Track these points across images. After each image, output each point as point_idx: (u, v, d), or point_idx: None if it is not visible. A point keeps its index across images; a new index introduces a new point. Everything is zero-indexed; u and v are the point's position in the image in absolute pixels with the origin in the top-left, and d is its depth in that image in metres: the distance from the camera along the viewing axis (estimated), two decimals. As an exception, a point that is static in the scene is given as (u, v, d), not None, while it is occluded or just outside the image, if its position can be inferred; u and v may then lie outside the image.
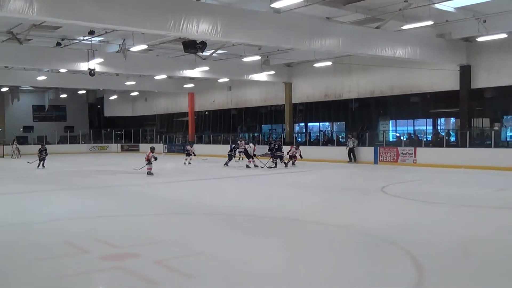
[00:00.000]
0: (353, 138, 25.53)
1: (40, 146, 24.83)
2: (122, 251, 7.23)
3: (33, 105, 49.11)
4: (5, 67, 29.48)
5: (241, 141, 24.99)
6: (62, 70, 29.87)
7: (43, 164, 23.38)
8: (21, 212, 11.09)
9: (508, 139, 25.39)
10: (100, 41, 23.78)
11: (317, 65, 27.75)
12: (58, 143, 43.47)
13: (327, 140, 30.70)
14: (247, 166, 22.56)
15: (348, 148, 25.44)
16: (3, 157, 34.29)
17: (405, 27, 19.02)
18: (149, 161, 18.13)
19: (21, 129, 46.26)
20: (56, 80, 34.50)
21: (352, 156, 25.17)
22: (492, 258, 6.80)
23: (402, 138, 29.00)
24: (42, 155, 23.50)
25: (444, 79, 24.24)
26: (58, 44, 23.19)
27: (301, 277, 6.10)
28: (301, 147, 24.27)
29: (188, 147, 25.11)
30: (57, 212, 11.02)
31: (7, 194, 14.33)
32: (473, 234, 8.37)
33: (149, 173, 18.24)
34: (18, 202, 12.95)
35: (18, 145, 34.47)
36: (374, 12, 18.71)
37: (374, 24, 19.51)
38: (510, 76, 22.17)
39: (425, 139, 26.31)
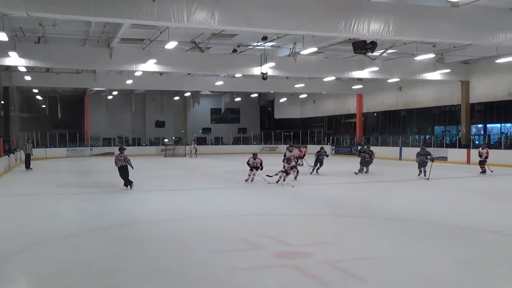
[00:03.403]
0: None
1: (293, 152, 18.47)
2: (294, 249, 7.41)
3: (211, 108, 52.76)
4: (188, 74, 32.27)
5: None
6: (237, 75, 31.82)
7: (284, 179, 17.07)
8: (198, 207, 12.07)
9: None
10: (272, 46, 24.72)
11: (499, 61, 25.45)
12: (232, 144, 46.65)
13: (510, 143, 27.87)
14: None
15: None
16: (185, 156, 37.59)
17: None
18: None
19: (200, 131, 50.22)
20: (232, 84, 36.85)
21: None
22: None
23: None
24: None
25: None
26: (234, 50, 24.72)
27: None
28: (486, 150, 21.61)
29: (251, 160, 17.58)
30: (231, 208, 11.77)
31: (188, 190, 15.69)
32: None
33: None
34: (195, 198, 14.08)
35: (196, 146, 37.35)
36: None
37: None
38: None
39: None
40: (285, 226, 9.60)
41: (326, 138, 43.87)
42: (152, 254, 7.41)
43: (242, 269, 6.45)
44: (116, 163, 15.00)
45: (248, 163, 17.27)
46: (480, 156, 20.19)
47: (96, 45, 23.50)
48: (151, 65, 23.71)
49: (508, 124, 32.14)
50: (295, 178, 17.35)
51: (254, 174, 17.10)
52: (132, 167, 14.97)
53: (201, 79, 35.26)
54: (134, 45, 23.63)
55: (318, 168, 20.35)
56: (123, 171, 14.81)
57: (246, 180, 17.18)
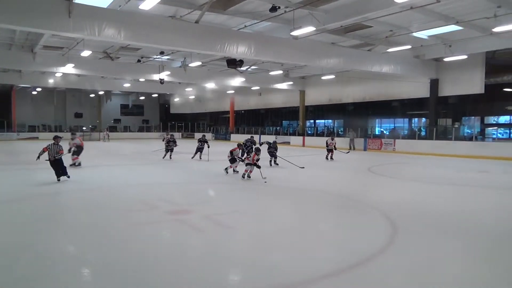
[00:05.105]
0: (353, 132, 25.12)
1: (167, 136, 17.39)
2: (180, 208, 7.39)
3: (120, 104, 49.85)
4: (102, 76, 30.11)
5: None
6: (141, 80, 30.36)
7: (170, 155, 16.81)
8: (110, 179, 11.43)
9: (464, 134, 24.68)
10: (168, 58, 24.01)
11: (324, 78, 27.41)
12: (137, 131, 44.79)
13: (330, 133, 30.31)
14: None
15: (349, 139, 24.97)
16: (99, 140, 35.25)
17: (390, 50, 18.56)
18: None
19: (112, 121, 47.31)
20: (137, 86, 35.06)
21: (352, 145, 24.67)
22: (454, 223, 6.68)
23: (385, 132, 28.49)
24: (170, 146, 16.90)
25: (418, 89, 23.63)
26: (139, 60, 23.55)
27: (307, 228, 6.15)
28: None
29: (165, 135, 16.60)
30: (135, 179, 11.32)
31: (102, 166, 14.75)
32: (438, 202, 8.22)
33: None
34: (108, 171, 13.33)
35: (109, 132, 35.31)
36: (367, 39, 18.32)
37: (366, 47, 19.16)
38: (467, 87, 21.49)
39: (402, 133, 25.80)
40: (174, 191, 9.47)
41: (208, 128, 43.92)
42: (73, 214, 6.93)
43: (142, 224, 6.29)
44: (48, 153, 9.84)
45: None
46: (328, 145, 17.72)
47: (21, 49, 20.85)
48: (69, 69, 21.71)
49: (330, 120, 34.90)
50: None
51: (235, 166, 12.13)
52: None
53: (112, 81, 32.96)
54: (55, 52, 21.38)
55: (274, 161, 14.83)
56: (57, 164, 9.93)
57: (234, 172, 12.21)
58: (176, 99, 47.70)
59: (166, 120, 49.30)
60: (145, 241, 5.39)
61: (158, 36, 13.55)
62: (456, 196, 9.20)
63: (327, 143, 17.94)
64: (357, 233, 5.90)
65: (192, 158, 16.85)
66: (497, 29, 14.31)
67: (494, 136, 24.75)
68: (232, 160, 12.02)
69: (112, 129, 42.87)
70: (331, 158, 17.55)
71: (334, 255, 4.88)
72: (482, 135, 25.06)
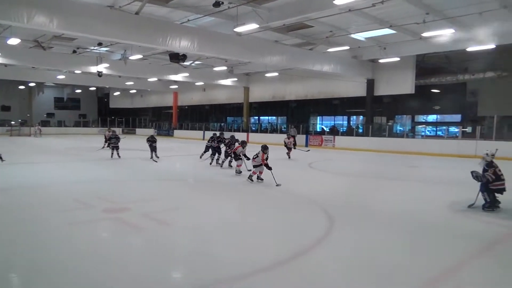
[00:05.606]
0: (295, 128, 25.70)
1: (109, 133, 16.04)
2: (119, 206, 7.13)
3: (54, 97, 46.95)
4: (32, 67, 28.03)
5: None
6: (77, 72, 28.66)
7: (117, 153, 15.35)
8: (41, 177, 10.73)
9: (398, 131, 26.38)
10: (107, 50, 22.96)
11: (267, 75, 27.79)
12: (73, 127, 42.33)
13: (273, 129, 30.94)
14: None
15: (291, 136, 25.32)
16: (30, 136, 32.72)
17: (330, 50, 19.30)
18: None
19: (45, 115, 44.32)
20: (73, 78, 32.98)
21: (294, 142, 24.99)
22: (386, 214, 7.12)
23: (325, 129, 29.58)
24: (113, 143, 15.41)
25: (356, 88, 24.79)
26: (74, 51, 22.25)
27: (247, 222, 6.24)
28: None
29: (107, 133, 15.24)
30: (69, 177, 10.72)
31: (31, 164, 13.79)
32: (373, 196, 8.71)
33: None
34: (38, 169, 12.50)
35: (40, 127, 32.90)
36: (309, 38, 18.87)
37: (308, 47, 19.72)
38: (400, 88, 22.93)
39: (341, 130, 26.96)
40: (113, 189, 9.10)
41: (150, 123, 42.70)
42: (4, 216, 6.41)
43: (77, 223, 5.99)
44: None
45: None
46: (286, 144, 17.04)
47: None
48: (-5, 57, 19.99)
49: (273, 117, 35.51)
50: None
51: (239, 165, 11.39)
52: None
53: (44, 72, 30.69)
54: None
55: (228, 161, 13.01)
56: None
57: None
58: (116, 93, 45.77)
59: (105, 115, 47.18)
60: (81, 241, 5.14)
61: (95, 26, 12.89)
62: (388, 189, 9.81)
63: (285, 142, 17.14)
64: (295, 226, 6.08)
65: (151, 158, 15.07)
66: (425, 34, 15.45)
67: (423, 134, 26.72)
68: (237, 158, 11.22)
69: (45, 123, 40.21)
70: (289, 157, 16.41)
71: (273, 249, 5.00)
72: (412, 133, 26.96)
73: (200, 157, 15.02)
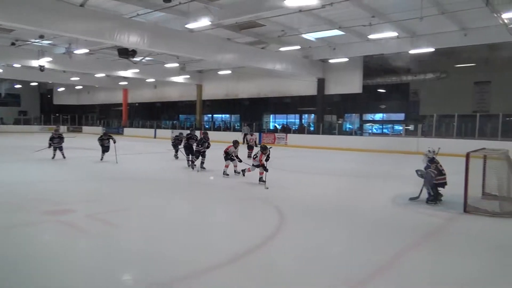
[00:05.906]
0: (247, 126, 25.76)
1: (54, 132, 14.32)
2: (61, 207, 6.77)
3: (-11, 93, 43.71)
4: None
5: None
6: (16, 65, 26.79)
7: (62, 154, 14.04)
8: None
9: (347, 129, 27.36)
10: (49, 43, 21.66)
11: (220, 72, 27.68)
12: (13, 124, 39.52)
13: (227, 127, 30.88)
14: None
15: (244, 134, 25.42)
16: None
17: (282, 49, 19.59)
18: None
19: (-22, 113, 41.10)
20: (11, 72, 30.65)
21: (246, 140, 24.96)
22: (332, 209, 7.36)
23: (278, 127, 30.01)
24: (55, 143, 13.97)
25: (307, 87, 25.33)
26: (13, 44, 20.76)
27: (200, 221, 6.18)
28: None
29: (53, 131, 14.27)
30: (5, 178, 10.02)
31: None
32: (323, 193, 8.97)
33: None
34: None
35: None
36: (261, 37, 19.02)
37: (260, 45, 19.88)
38: (348, 87, 23.77)
39: (293, 128, 27.48)
40: (55, 190, 8.60)
41: (98, 121, 40.96)
42: None
43: (16, 226, 5.61)
44: None
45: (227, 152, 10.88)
46: (248, 142, 16.46)
47: None
48: None
49: (227, 115, 35.43)
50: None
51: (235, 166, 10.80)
52: None
53: (-22, 66, 28.49)
54: None
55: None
56: None
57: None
58: (61, 89, 43.35)
59: (49, 111, 44.54)
60: (21, 245, 4.83)
61: (35, 16, 12.14)
62: (336, 185, 10.17)
63: (247, 139, 16.46)
64: (248, 223, 6.12)
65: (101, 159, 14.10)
66: (371, 36, 16.13)
67: (370, 131, 27.94)
68: (227, 158, 10.55)
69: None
70: (250, 156, 14.76)
71: (226, 246, 4.99)
72: (360, 130, 28.09)
73: (176, 157, 14.56)
